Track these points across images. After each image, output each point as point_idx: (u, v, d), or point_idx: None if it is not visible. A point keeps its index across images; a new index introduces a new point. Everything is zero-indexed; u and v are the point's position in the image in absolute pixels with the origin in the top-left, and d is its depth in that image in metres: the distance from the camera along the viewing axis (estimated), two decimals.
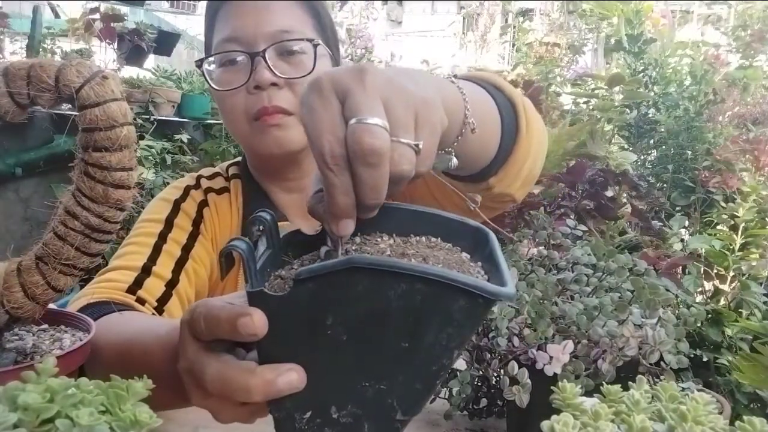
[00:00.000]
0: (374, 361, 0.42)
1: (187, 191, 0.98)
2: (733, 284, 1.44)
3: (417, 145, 0.43)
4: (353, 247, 0.47)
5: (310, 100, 0.43)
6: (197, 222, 0.95)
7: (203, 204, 0.97)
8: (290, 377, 0.42)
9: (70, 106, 0.51)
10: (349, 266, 0.39)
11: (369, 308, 0.40)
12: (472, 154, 0.68)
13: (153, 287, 0.85)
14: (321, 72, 0.45)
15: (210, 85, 0.92)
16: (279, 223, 0.96)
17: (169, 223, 0.93)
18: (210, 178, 1.01)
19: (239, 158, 1.06)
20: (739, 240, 1.57)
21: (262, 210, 0.49)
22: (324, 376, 0.42)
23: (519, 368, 0.69)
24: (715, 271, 1.49)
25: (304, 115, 0.43)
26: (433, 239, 0.49)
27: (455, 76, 0.64)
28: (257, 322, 0.40)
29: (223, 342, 0.45)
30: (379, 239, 0.50)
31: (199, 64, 0.93)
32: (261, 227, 0.48)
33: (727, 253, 1.49)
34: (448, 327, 0.41)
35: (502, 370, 0.71)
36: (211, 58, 0.92)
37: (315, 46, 0.90)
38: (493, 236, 0.48)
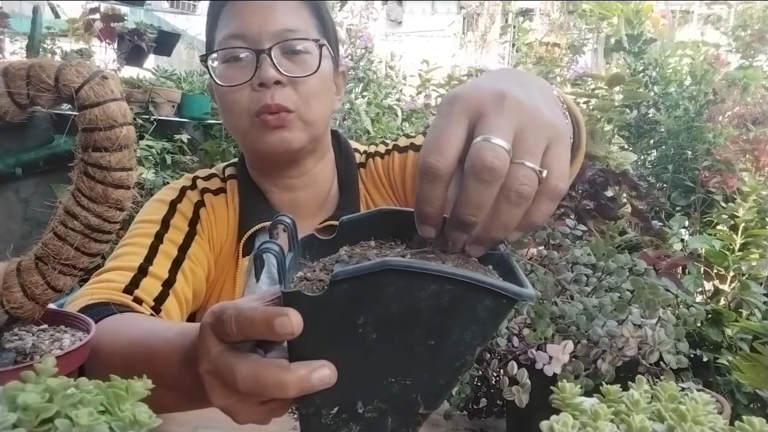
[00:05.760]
0: (402, 357, 0.44)
1: (183, 192, 0.98)
2: (733, 284, 1.44)
3: (540, 172, 0.44)
4: (374, 251, 0.49)
5: (444, 111, 0.46)
6: (194, 222, 0.95)
7: (200, 204, 0.97)
8: (323, 373, 0.43)
9: (69, 106, 0.51)
10: (383, 268, 0.40)
11: (399, 308, 0.42)
12: None
13: (150, 287, 0.84)
14: (464, 88, 0.47)
15: (214, 80, 0.92)
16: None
17: (165, 224, 0.93)
18: (206, 179, 1.01)
19: (235, 159, 1.06)
20: (739, 240, 1.57)
21: (283, 214, 0.50)
22: (353, 373, 0.44)
23: (518, 368, 0.69)
24: (715, 271, 1.49)
25: (434, 120, 0.46)
26: None
27: None
28: (294, 321, 0.41)
29: (246, 343, 0.46)
30: (393, 243, 0.52)
31: (204, 59, 0.93)
32: (283, 230, 0.49)
33: (727, 253, 1.49)
34: (473, 325, 0.43)
35: (501, 370, 0.71)
36: (214, 54, 0.92)
37: (321, 46, 0.91)
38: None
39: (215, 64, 0.93)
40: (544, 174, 0.44)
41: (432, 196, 0.44)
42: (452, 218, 0.45)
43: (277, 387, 0.43)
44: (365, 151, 1.07)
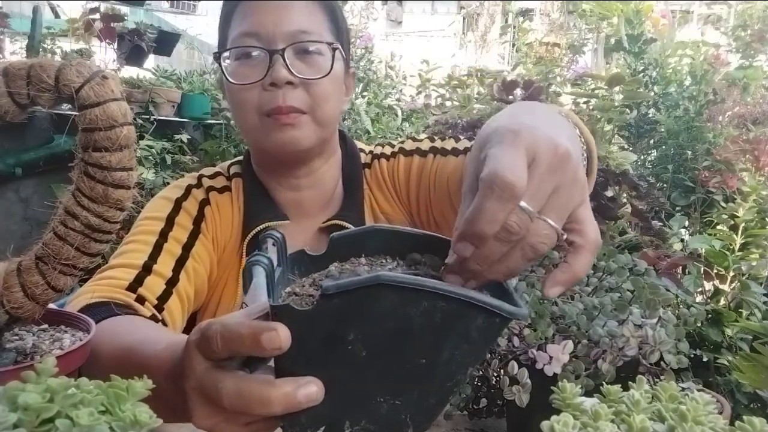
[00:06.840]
0: (392, 376, 0.42)
1: (188, 190, 0.98)
2: (733, 284, 1.44)
3: (562, 235, 0.45)
4: (365, 268, 0.49)
5: (509, 141, 0.44)
6: (198, 220, 0.95)
7: (205, 202, 0.97)
8: (309, 390, 0.42)
9: (70, 106, 0.51)
10: (375, 283, 0.39)
11: (390, 325, 0.40)
12: None
13: (153, 285, 0.85)
14: (522, 125, 0.45)
15: (226, 78, 0.92)
16: (280, 222, 0.95)
17: (170, 222, 0.93)
18: (211, 177, 1.02)
19: (240, 157, 1.06)
20: (739, 240, 1.57)
21: (274, 229, 0.50)
22: (341, 391, 0.43)
23: (519, 368, 0.69)
24: (715, 271, 1.49)
25: (499, 144, 0.44)
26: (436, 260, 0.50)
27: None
28: (282, 336, 0.40)
29: (233, 360, 0.45)
30: (384, 260, 0.52)
31: (217, 56, 0.93)
32: (272, 244, 0.49)
33: (727, 253, 1.49)
34: (465, 344, 0.42)
35: (501, 370, 0.71)
36: (226, 53, 0.92)
37: (334, 49, 0.91)
38: None
39: (227, 62, 0.93)
40: (564, 237, 0.45)
41: (497, 215, 0.41)
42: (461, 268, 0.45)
43: (262, 403, 0.41)
44: (371, 152, 1.06)
